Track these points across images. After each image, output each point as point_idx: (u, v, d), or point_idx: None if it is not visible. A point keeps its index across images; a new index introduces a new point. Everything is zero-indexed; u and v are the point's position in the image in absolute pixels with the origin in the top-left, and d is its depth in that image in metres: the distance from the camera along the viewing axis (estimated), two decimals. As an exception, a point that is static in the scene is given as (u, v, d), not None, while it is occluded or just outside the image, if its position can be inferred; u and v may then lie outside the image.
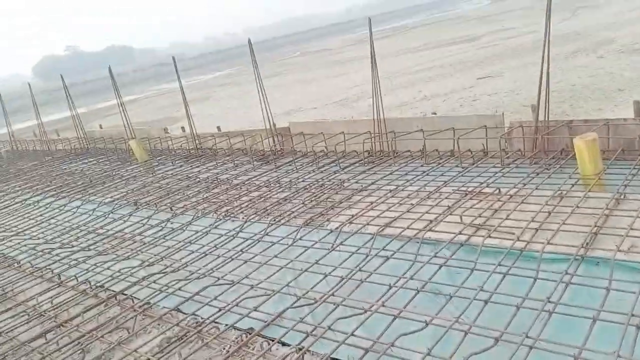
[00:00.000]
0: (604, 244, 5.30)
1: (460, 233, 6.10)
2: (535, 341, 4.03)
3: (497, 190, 7.20)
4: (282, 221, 7.70)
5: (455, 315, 4.61)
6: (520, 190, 7.08)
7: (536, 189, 6.97)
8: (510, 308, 4.52)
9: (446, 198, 7.33)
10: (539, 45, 8.78)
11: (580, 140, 7.16)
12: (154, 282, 6.60)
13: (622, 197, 6.28)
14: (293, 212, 7.99)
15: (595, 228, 5.58)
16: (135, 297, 6.34)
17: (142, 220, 9.05)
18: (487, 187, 7.44)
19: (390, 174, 9.00)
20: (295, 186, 9.23)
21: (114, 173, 13.30)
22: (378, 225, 6.82)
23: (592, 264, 5.04)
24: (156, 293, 6.31)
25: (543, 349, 3.98)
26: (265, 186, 9.59)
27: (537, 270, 4.98)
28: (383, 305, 5.00)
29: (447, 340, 4.30)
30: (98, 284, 6.87)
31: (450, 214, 6.75)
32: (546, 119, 8.51)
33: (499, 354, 3.98)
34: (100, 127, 20.85)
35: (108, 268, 7.29)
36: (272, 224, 7.63)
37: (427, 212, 6.92)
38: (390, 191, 8.04)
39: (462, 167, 8.63)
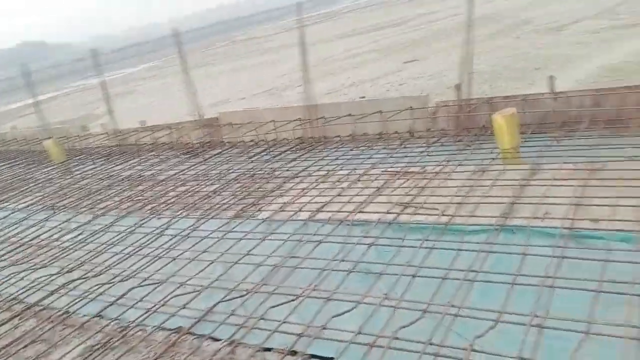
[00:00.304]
0: (521, 213, 5.55)
1: (388, 212, 6.19)
2: (459, 309, 4.15)
3: (423, 169, 7.37)
4: (212, 214, 7.49)
5: (385, 292, 4.67)
6: (445, 167, 7.28)
7: (459, 165, 7.20)
8: (436, 280, 4.63)
9: (375, 179, 7.41)
10: (461, 28, 9.03)
11: (499, 116, 7.45)
12: (74, 288, 6.22)
13: (537, 167, 6.61)
14: (223, 204, 7.79)
15: (513, 198, 5.84)
16: (53, 307, 5.92)
17: (60, 224, 8.48)
18: (413, 166, 7.59)
19: (321, 159, 8.99)
20: (225, 178, 9.01)
21: (28, 177, 12.39)
22: (310, 211, 6.79)
23: (510, 233, 5.27)
24: (77, 300, 5.93)
25: (466, 316, 4.11)
26: (194, 180, 9.29)
27: (461, 242, 5.15)
28: (315, 290, 4.98)
29: (378, 317, 4.35)
30: (11, 297, 6.37)
31: (379, 195, 6.83)
32: (468, 97, 8.82)
33: (427, 325, 4.07)
34: (13, 128, 19.38)
35: (22, 278, 6.77)
36: (201, 219, 7.40)
37: (357, 195, 6.97)
38: (322, 176, 8.03)
39: (390, 149, 8.77)
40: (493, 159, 7.21)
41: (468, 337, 3.81)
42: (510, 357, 3.55)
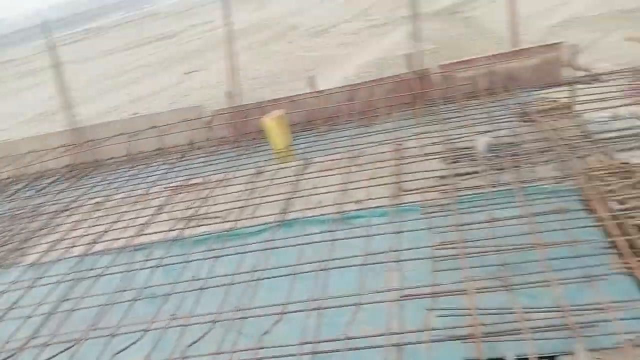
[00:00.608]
0: (297, 206, 5.93)
1: (171, 230, 5.98)
2: (246, 311, 4.23)
3: (205, 179, 7.32)
4: (-40, 271, 6.24)
5: (173, 312, 4.50)
6: (226, 174, 7.36)
7: (238, 170, 7.35)
8: (224, 288, 4.64)
9: (156, 198, 7.10)
10: (237, 36, 9.22)
11: (268, 119, 7.85)
12: None
13: (307, 162, 7.14)
14: (-25, 256, 6.55)
15: (289, 194, 6.21)
16: None
17: None
18: (195, 178, 7.49)
19: (95, 185, 8.23)
20: (-25, 225, 7.59)
21: None
22: (84, 245, 6.16)
23: (289, 226, 5.59)
24: None
25: (255, 316, 4.22)
26: None
27: (245, 244, 5.26)
28: (95, 329, 4.53)
29: (166, 339, 4.17)
30: None
31: (161, 213, 6.57)
32: (242, 104, 9.07)
33: (217, 335, 4.05)
34: None
35: None
36: (-56, 279, 6.09)
37: (137, 217, 6.58)
38: (96, 204, 7.36)
39: (170, 164, 8.50)
40: (268, 159, 7.55)
41: (256, 336, 3.91)
42: (294, 345, 3.74)
